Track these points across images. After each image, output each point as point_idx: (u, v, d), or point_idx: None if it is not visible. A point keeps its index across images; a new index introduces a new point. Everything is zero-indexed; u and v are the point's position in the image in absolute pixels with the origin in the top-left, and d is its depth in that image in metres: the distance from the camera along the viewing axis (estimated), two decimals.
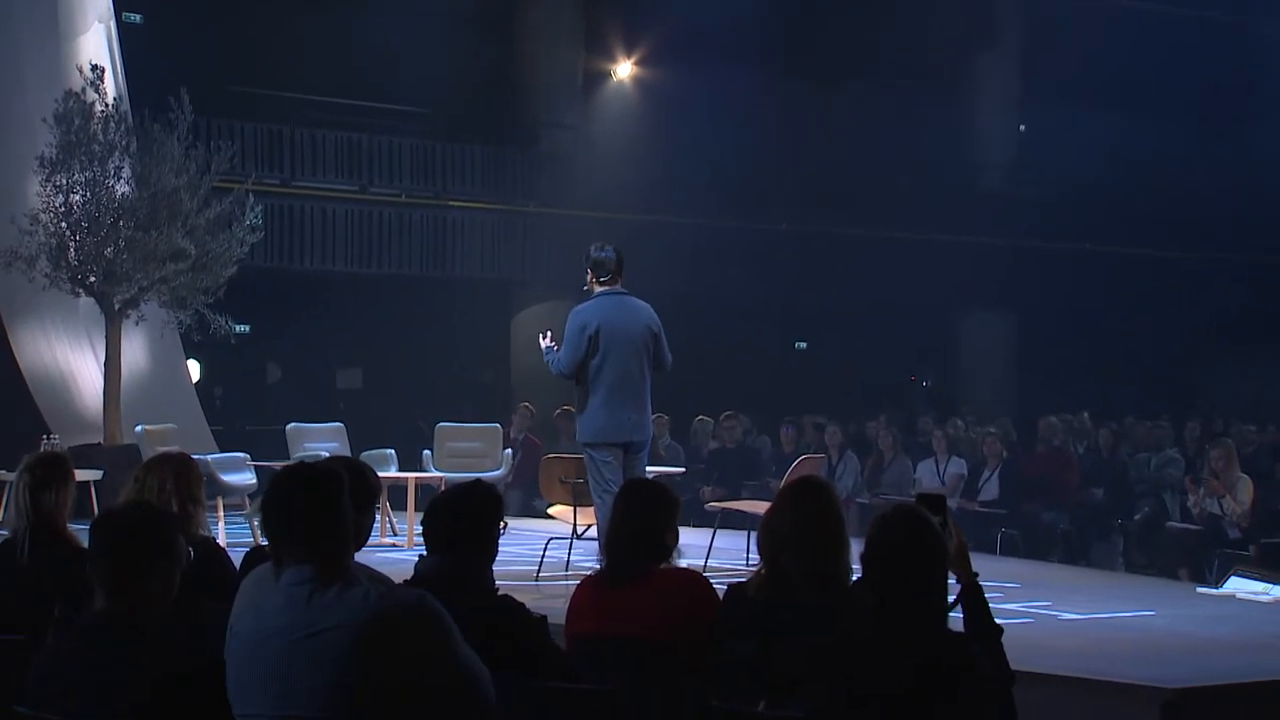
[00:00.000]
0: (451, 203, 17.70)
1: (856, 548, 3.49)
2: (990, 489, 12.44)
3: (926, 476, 12.65)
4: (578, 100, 18.83)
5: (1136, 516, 12.23)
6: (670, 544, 3.97)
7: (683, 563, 4.04)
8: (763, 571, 3.73)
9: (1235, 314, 20.45)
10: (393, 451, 11.56)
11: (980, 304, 20.50)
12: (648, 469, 10.64)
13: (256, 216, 12.22)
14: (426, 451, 11.59)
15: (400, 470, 11.20)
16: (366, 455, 10.41)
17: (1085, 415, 14.66)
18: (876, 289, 19.34)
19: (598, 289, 7.72)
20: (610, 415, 7.58)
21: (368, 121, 17.33)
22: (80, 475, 4.90)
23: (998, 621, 3.36)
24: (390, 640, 2.79)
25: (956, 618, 3.24)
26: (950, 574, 3.17)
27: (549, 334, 7.87)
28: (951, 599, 3.19)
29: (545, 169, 18.18)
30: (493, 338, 18.63)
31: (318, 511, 2.92)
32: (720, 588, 3.90)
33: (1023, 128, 21.14)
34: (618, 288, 7.75)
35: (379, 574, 3.53)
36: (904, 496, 11.98)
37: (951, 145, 20.23)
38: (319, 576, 2.86)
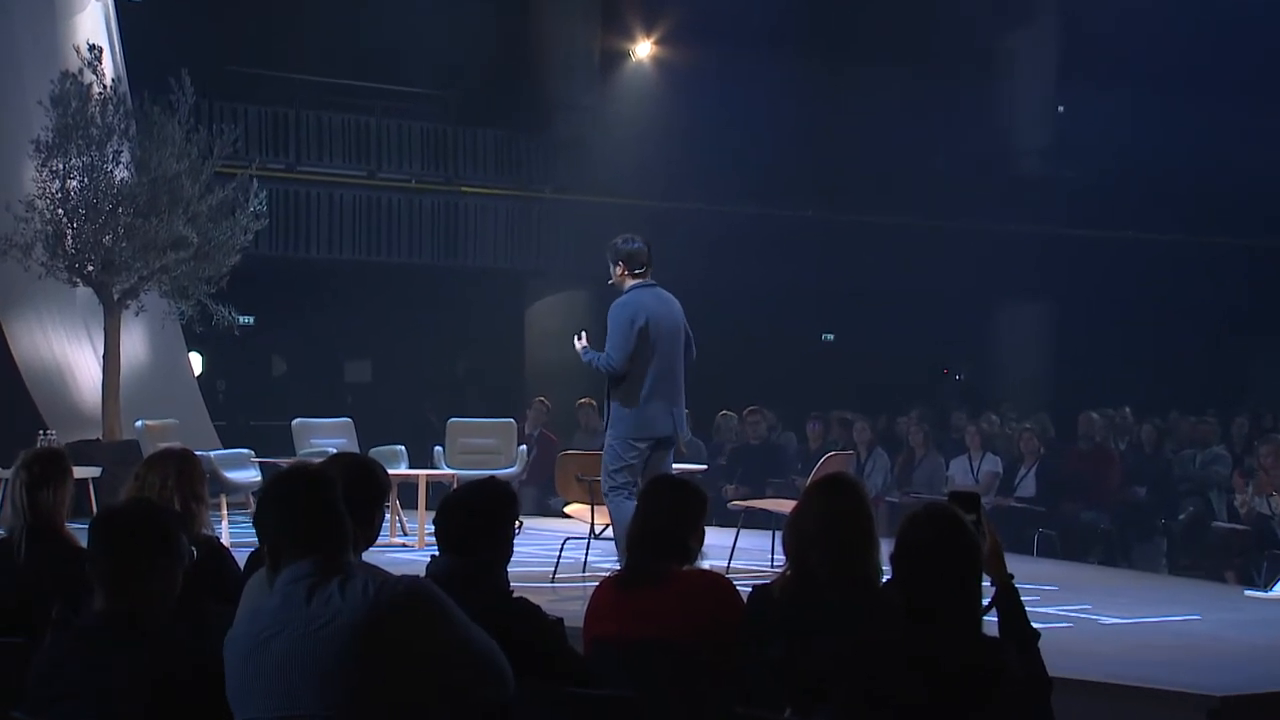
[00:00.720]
0: (463, 188, 17.72)
1: (886, 548, 3.48)
2: (1027, 487, 12.42)
3: (960, 474, 12.62)
4: (595, 81, 18.82)
5: (1181, 516, 12.18)
6: (695, 546, 3.97)
7: (705, 564, 4.04)
8: (789, 573, 3.73)
9: None
10: (403, 448, 11.61)
11: (1016, 293, 20.44)
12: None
13: (261, 203, 12.26)
14: (438, 448, 11.62)
15: (411, 467, 11.25)
16: (375, 451, 10.44)
17: (1127, 410, 14.62)
18: (907, 278, 19.29)
19: (631, 281, 7.79)
20: (658, 410, 7.71)
21: (376, 104, 17.35)
22: (78, 472, 4.92)
23: (1034, 625, 3.36)
24: (390, 626, 2.81)
25: (990, 621, 3.24)
26: (984, 576, 3.17)
27: (583, 335, 7.91)
28: (985, 602, 3.19)
29: (561, 153, 18.18)
30: (507, 329, 18.66)
31: (316, 510, 2.95)
32: (745, 590, 3.91)
33: (1061, 108, 21.05)
34: (649, 280, 7.83)
35: (374, 567, 3.54)
36: (936, 495, 11.95)
37: (985, 127, 20.17)
38: (318, 572, 2.88)
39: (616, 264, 7.81)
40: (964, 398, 18.74)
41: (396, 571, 3.51)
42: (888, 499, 12.44)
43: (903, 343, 19.53)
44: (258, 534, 3.03)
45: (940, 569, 3.01)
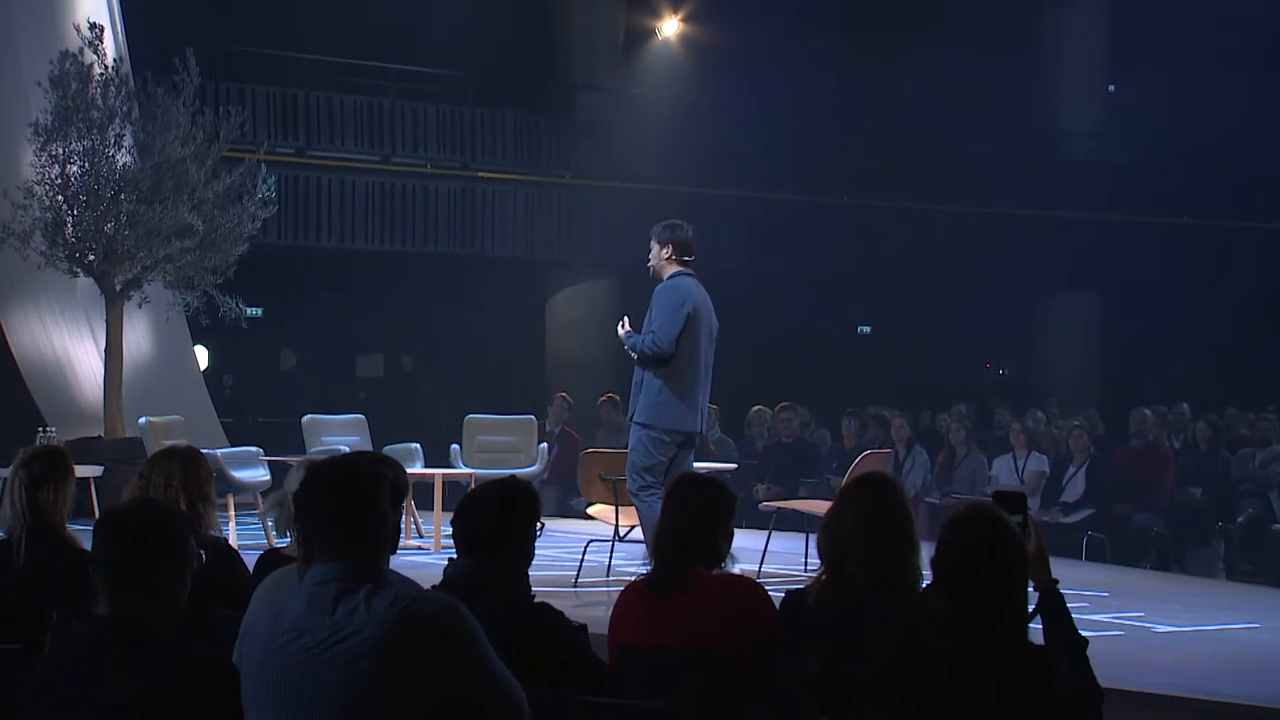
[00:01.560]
0: (481, 174, 17.74)
1: (926, 552, 3.47)
2: (1075, 488, 12.36)
3: (1004, 474, 12.58)
4: (619, 61, 18.81)
5: (1239, 518, 12.11)
6: (724, 548, 3.97)
7: (735, 568, 4.04)
8: (824, 578, 3.72)
9: None
10: (418, 446, 11.63)
11: (1064, 284, 20.36)
12: (697, 465, 10.70)
13: (269, 189, 12.30)
14: (455, 446, 11.64)
15: (426, 466, 11.27)
16: (389, 450, 10.47)
17: (1185, 407, 14.56)
18: (948, 268, 19.23)
19: (674, 268, 7.82)
20: (691, 403, 7.77)
21: (390, 85, 17.38)
22: (79, 471, 4.94)
23: (1082, 633, 3.35)
24: (417, 650, 2.81)
25: (1035, 629, 3.22)
26: (1028, 581, 3.16)
27: (626, 320, 7.95)
28: (1030, 608, 3.18)
29: (584, 136, 18.18)
30: (527, 321, 18.68)
31: (360, 509, 2.95)
32: (777, 596, 3.90)
33: (1112, 88, 20.94)
34: (690, 269, 7.90)
35: (406, 580, 3.55)
36: (978, 496, 11.92)
37: (1032, 109, 20.08)
38: (346, 577, 2.88)
39: (665, 247, 7.84)
40: (1008, 393, 18.68)
41: (412, 576, 3.52)
42: (927, 500, 12.42)
43: (943, 335, 19.48)
44: (297, 517, 3.03)
45: (984, 573, 3.01)
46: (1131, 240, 20.03)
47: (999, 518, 3.10)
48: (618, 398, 13.11)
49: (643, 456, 7.74)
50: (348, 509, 2.94)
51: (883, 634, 3.36)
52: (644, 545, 7.66)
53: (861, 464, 8.61)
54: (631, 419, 7.90)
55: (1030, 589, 3.20)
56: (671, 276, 7.83)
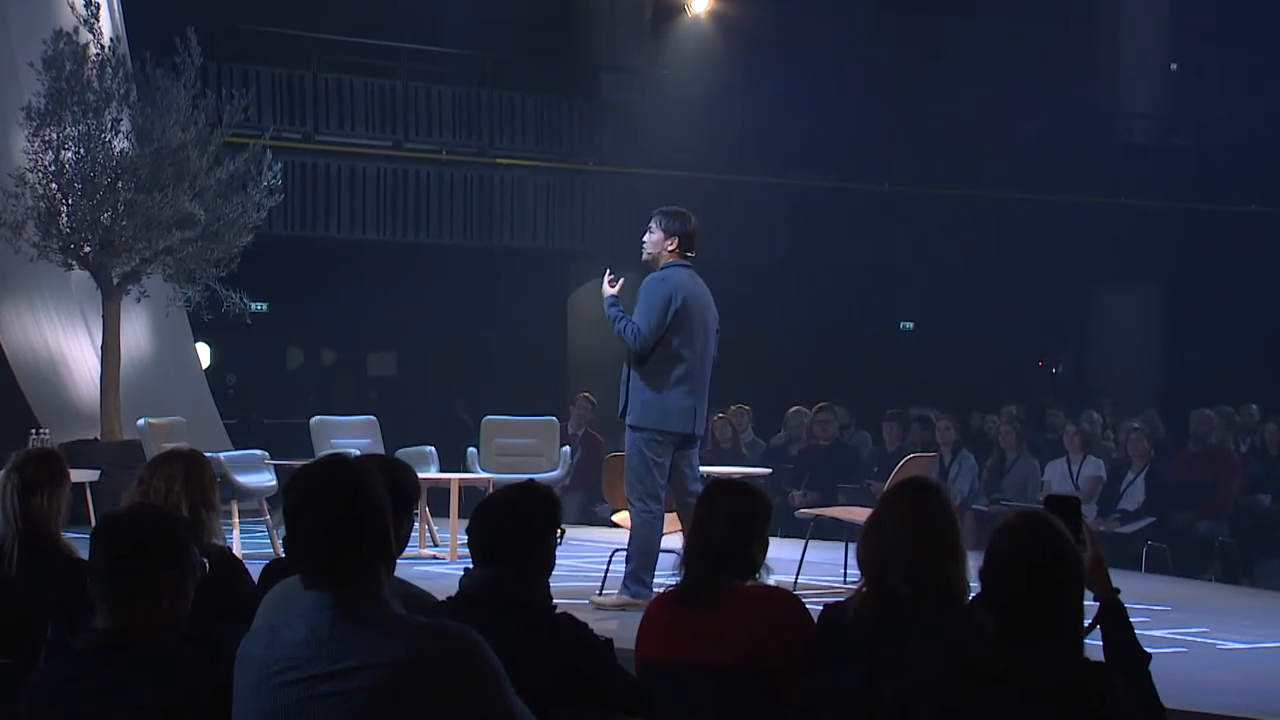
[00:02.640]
0: (499, 160, 17.77)
1: (973, 562, 3.46)
2: (1134, 495, 12.32)
3: (1057, 479, 12.54)
4: (646, 40, 18.81)
5: None
6: (759, 558, 3.97)
7: (770, 579, 4.04)
8: (864, 589, 3.72)
9: None
10: (432, 449, 11.67)
11: (1122, 276, 20.27)
12: (728, 469, 10.70)
13: (275, 176, 12.34)
14: (471, 449, 11.68)
15: (441, 471, 11.29)
16: (402, 453, 10.50)
17: (1254, 408, 14.48)
18: (997, 259, 19.17)
19: (669, 258, 7.82)
20: (683, 402, 7.77)
21: (403, 66, 17.41)
22: (75, 476, 4.97)
23: (1143, 649, 3.33)
24: (426, 689, 2.74)
25: (1093, 644, 3.21)
26: (1085, 592, 3.15)
27: (619, 280, 7.91)
28: (1087, 621, 3.17)
29: (608, 120, 18.19)
30: (547, 316, 18.70)
31: (352, 527, 2.85)
32: (814, 608, 3.90)
33: (1174, 67, 20.84)
34: (688, 261, 7.91)
35: (418, 591, 3.55)
36: (1029, 503, 11.88)
37: (1087, 89, 20.00)
38: (348, 604, 2.81)
39: (671, 239, 7.84)
40: (1062, 393, 18.62)
41: (427, 587, 3.52)
42: (975, 507, 12.39)
43: (992, 331, 19.43)
44: (286, 533, 2.95)
45: (1035, 584, 3.00)
46: (1194, 229, 19.93)
47: (1052, 524, 3.09)
48: None
49: (638, 461, 7.75)
50: (342, 522, 2.84)
51: (927, 649, 3.36)
52: (632, 562, 7.65)
53: (904, 469, 8.59)
54: (621, 417, 7.90)
55: (1088, 599, 3.18)
56: (665, 267, 7.82)
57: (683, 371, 7.76)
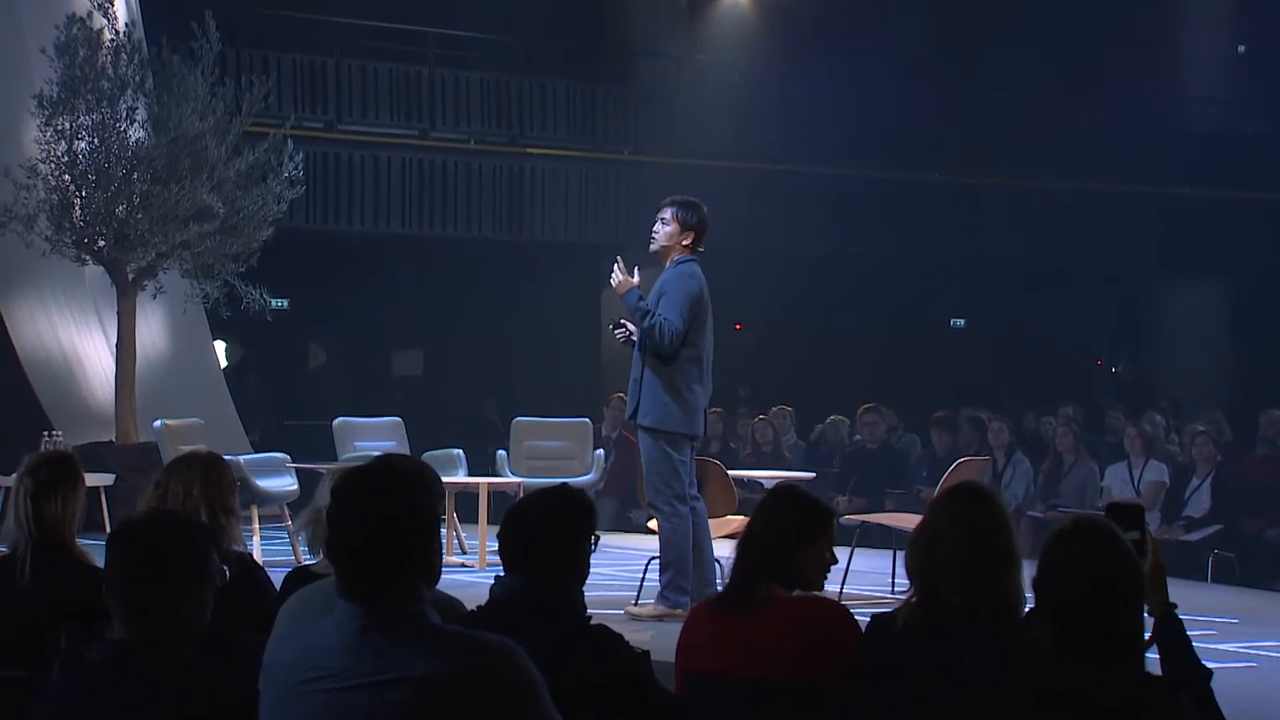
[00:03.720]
0: (530, 150, 17.80)
1: (1028, 571, 3.45)
2: (1199, 501, 12.25)
3: (1117, 484, 12.48)
4: (684, 23, 18.81)
5: None
6: (812, 570, 3.96)
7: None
8: (914, 600, 3.71)
9: None
10: (460, 452, 11.69)
11: (1186, 270, 20.16)
12: (771, 474, 10.69)
13: (296, 167, 12.39)
14: (501, 452, 11.70)
15: (470, 475, 11.32)
16: (428, 456, 10.53)
17: None
18: (1055, 252, 19.09)
19: (681, 252, 7.83)
20: (700, 402, 7.82)
21: (430, 51, 17.46)
22: (89, 480, 5.00)
23: (1205, 664, 3.32)
24: (464, 702, 2.74)
25: (1151, 658, 3.20)
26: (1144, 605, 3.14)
27: (635, 270, 7.89)
28: (1146, 635, 3.16)
29: (644, 108, 18.20)
30: (580, 313, 18.71)
31: (394, 527, 2.85)
32: (861, 619, 3.90)
33: (1242, 49, 20.70)
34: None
35: (449, 598, 3.56)
36: (1088, 509, 11.83)
37: (1149, 73, 19.89)
38: (385, 613, 2.82)
39: (687, 232, 7.83)
40: (1122, 393, 18.54)
41: (456, 596, 3.53)
42: (1030, 513, 12.35)
43: (1048, 328, 19.34)
44: (328, 540, 2.94)
45: (1094, 595, 2.98)
46: (1262, 219, 19.78)
47: (1112, 533, 3.08)
48: None
49: (664, 465, 7.74)
50: (383, 536, 2.85)
51: (980, 664, 3.35)
52: (669, 570, 7.65)
53: (955, 473, 8.57)
54: (632, 419, 7.90)
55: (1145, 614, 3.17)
56: (683, 261, 7.82)
57: (699, 371, 7.81)
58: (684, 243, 7.84)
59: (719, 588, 7.49)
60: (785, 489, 4.16)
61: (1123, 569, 3.03)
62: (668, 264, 7.86)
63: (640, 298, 7.77)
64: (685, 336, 7.69)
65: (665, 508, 7.72)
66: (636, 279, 7.86)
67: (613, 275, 7.91)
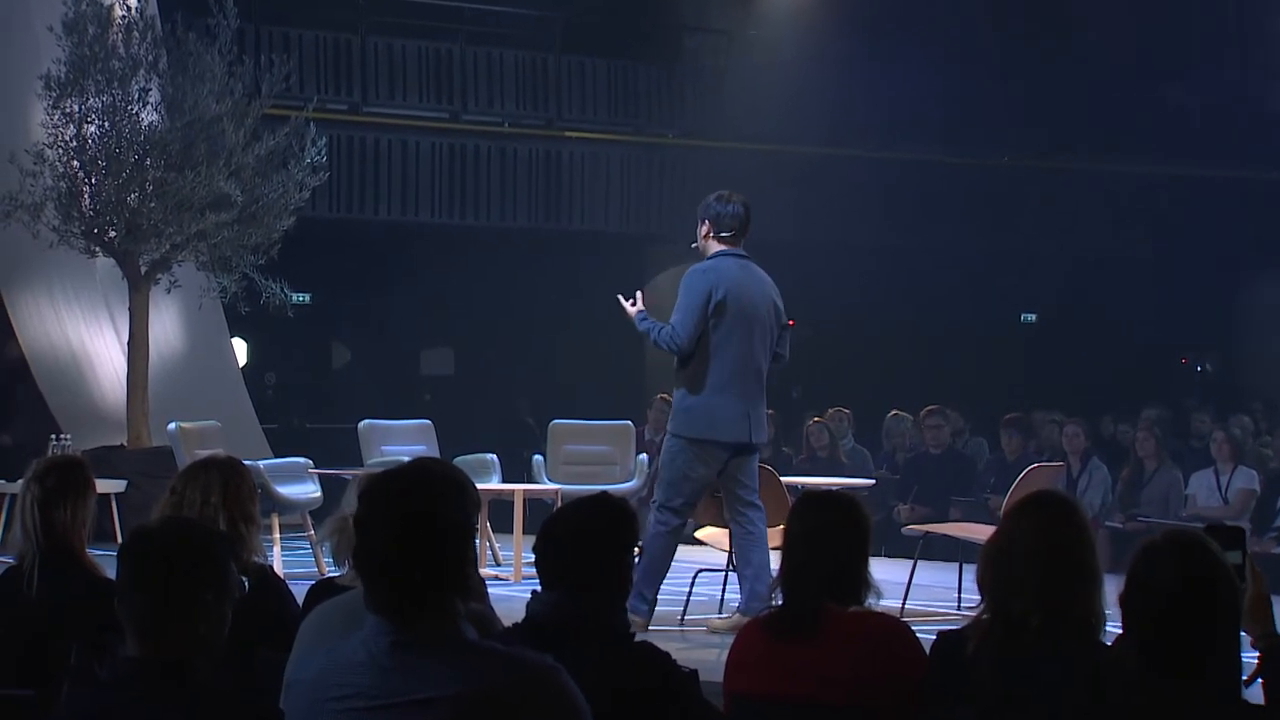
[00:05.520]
0: (568, 133, 17.81)
1: (1107, 586, 3.44)
2: None
3: (1203, 493, 12.41)
4: None
5: None
6: (865, 582, 3.94)
7: (877, 604, 4.02)
8: (985, 617, 3.70)
9: None
10: (494, 457, 11.71)
11: (1278, 261, 20.01)
12: (825, 480, 10.66)
13: (319, 152, 12.43)
14: (537, 457, 11.69)
15: (504, 481, 11.33)
16: (460, 461, 10.55)
17: None
18: (1135, 243, 18.99)
19: (716, 247, 7.96)
20: (733, 407, 7.84)
21: (461, 28, 17.49)
22: (100, 486, 5.02)
23: None
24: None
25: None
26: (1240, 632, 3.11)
27: (638, 296, 8.15)
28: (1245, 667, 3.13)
29: (691, 88, 18.18)
30: (621, 309, 18.68)
31: (428, 537, 2.85)
32: (925, 637, 3.88)
33: None
34: (740, 249, 7.99)
35: (484, 614, 3.56)
36: (1170, 519, 11.77)
37: (1239, 47, 19.75)
38: (405, 632, 2.83)
39: (702, 224, 8.02)
40: (1208, 394, 18.41)
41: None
42: (1108, 524, 12.30)
43: (1127, 323, 19.24)
44: (356, 549, 2.94)
45: (1186, 615, 2.96)
46: None
47: (1206, 547, 3.05)
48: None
49: (670, 471, 7.89)
50: (413, 546, 2.85)
51: (1060, 687, 3.33)
52: (644, 572, 7.67)
53: (1026, 480, 8.53)
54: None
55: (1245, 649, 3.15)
56: (711, 257, 7.94)
57: (728, 373, 7.84)
58: (704, 235, 8.02)
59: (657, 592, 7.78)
60: (815, 494, 4.14)
61: (1218, 588, 3.00)
62: None
63: (644, 318, 8.07)
64: (695, 339, 7.80)
65: (655, 512, 7.91)
66: (639, 304, 8.12)
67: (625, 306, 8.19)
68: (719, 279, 7.85)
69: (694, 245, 8.10)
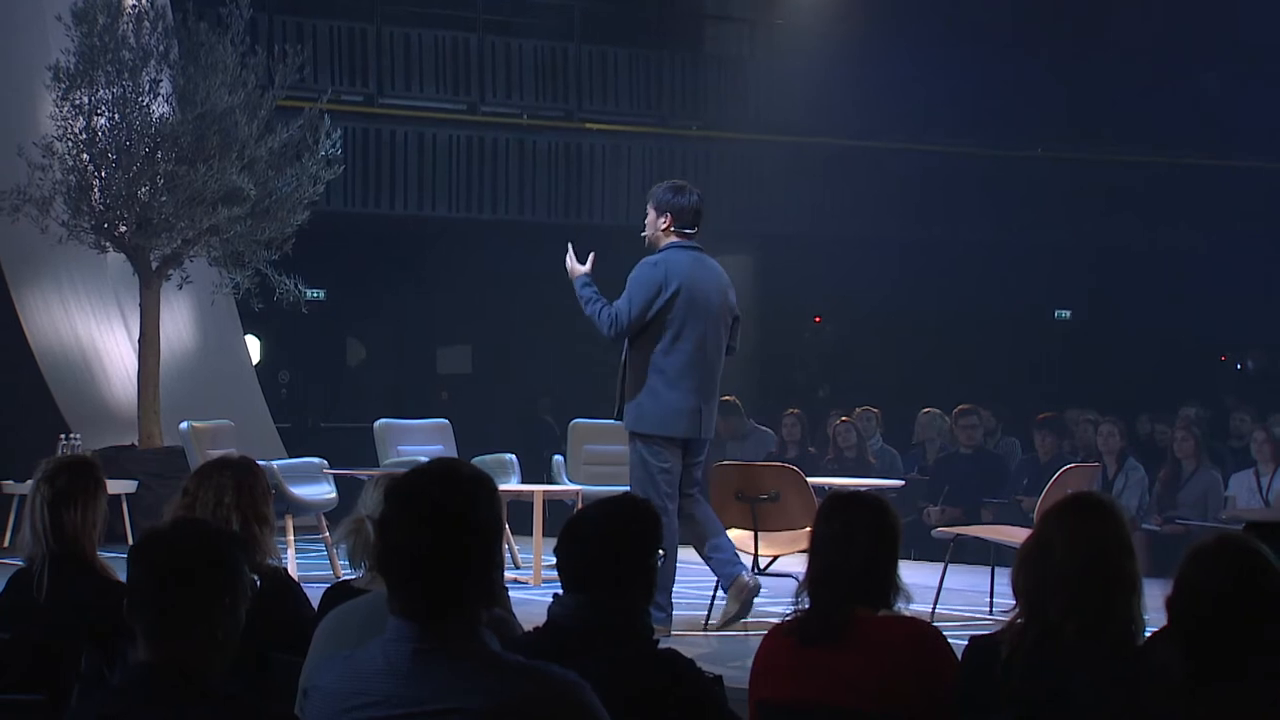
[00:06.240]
0: (589, 125, 17.81)
1: (1145, 590, 3.42)
2: None
3: (1243, 494, 12.36)
4: None
5: None
6: (894, 585, 3.94)
7: (907, 609, 4.01)
8: (1019, 622, 3.69)
9: None
10: (513, 457, 11.71)
11: None
12: (853, 481, 10.64)
13: (334, 145, 12.44)
14: (558, 457, 11.69)
15: (524, 482, 11.34)
16: (479, 461, 10.55)
17: None
18: (1171, 235, 18.94)
19: (671, 239, 8.06)
20: (685, 402, 7.92)
21: (479, 17, 17.50)
22: (111, 487, 5.04)
23: None
24: None
25: None
26: None
27: (590, 258, 8.18)
28: None
29: (713, 78, 18.17)
30: (565, 262, 18.66)
31: (455, 541, 2.85)
32: (956, 642, 3.87)
33: None
34: (693, 242, 8.12)
35: (502, 617, 3.56)
36: (1210, 521, 11.73)
37: None
38: (436, 637, 2.83)
39: (662, 215, 8.09)
40: (1249, 393, 18.34)
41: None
42: (1145, 526, 12.26)
43: (1164, 320, 19.17)
44: (380, 554, 2.94)
45: (1234, 619, 2.94)
46: None
47: (1259, 553, 3.04)
48: (734, 400, 13.09)
49: (641, 472, 7.94)
50: (438, 549, 2.85)
51: (1098, 694, 3.32)
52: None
53: (1061, 481, 8.52)
54: (617, 419, 8.14)
55: None
56: (663, 249, 8.00)
57: (680, 368, 7.90)
58: (664, 227, 8.11)
59: (671, 596, 7.83)
60: (842, 496, 4.13)
61: (1267, 592, 2.98)
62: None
63: (587, 283, 8.12)
64: (635, 328, 7.88)
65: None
66: (588, 266, 8.14)
67: (566, 260, 8.20)
68: (671, 272, 7.95)
69: (643, 235, 8.16)
